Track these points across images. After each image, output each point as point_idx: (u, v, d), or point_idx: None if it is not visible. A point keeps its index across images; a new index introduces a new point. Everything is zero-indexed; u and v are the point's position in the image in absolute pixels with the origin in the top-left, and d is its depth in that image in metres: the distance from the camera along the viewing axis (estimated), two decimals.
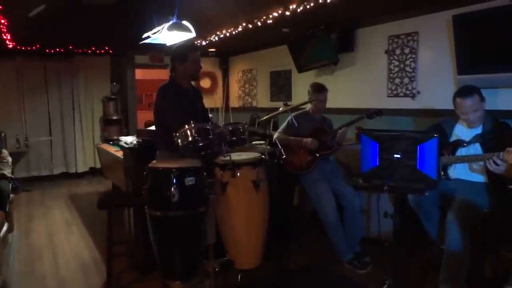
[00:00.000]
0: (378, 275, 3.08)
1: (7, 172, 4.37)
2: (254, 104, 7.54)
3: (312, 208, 3.67)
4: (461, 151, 2.90)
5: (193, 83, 3.41)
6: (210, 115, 3.48)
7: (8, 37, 5.64)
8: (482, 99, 2.83)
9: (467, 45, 3.67)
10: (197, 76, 3.24)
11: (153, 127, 4.50)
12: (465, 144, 2.88)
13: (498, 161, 2.51)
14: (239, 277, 3.00)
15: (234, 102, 8.24)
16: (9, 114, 6.96)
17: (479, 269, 2.77)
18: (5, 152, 4.55)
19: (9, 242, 4.11)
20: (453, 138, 3.00)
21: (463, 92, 2.85)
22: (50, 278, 3.33)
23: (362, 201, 3.66)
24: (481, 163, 2.81)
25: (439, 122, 3.21)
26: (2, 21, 4.79)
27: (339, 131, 3.55)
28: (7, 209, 4.12)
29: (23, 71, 7.05)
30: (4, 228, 3.88)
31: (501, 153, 2.45)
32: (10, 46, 6.17)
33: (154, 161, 2.71)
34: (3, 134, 5.47)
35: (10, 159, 4.59)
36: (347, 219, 3.45)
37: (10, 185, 4.34)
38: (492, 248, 2.79)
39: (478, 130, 2.89)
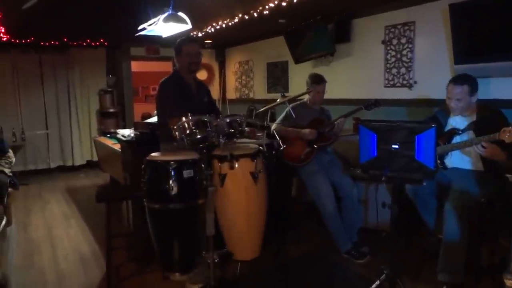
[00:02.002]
0: (376, 264, 3.11)
1: (7, 171, 4.41)
2: (251, 95, 7.52)
3: (310, 199, 3.68)
4: (456, 139, 2.92)
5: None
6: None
7: (2, 30, 5.60)
8: (473, 92, 2.83)
9: (464, 35, 3.66)
10: (194, 68, 3.24)
11: (150, 120, 4.50)
12: (460, 132, 2.90)
13: (484, 144, 2.55)
14: (238, 268, 3.02)
15: (231, 94, 8.22)
16: (5, 108, 6.92)
17: (476, 257, 2.80)
18: (10, 152, 4.59)
19: (8, 235, 4.12)
20: (448, 127, 3.02)
21: (456, 79, 2.91)
22: (50, 271, 3.34)
23: (360, 192, 3.68)
24: (479, 151, 2.83)
25: (434, 113, 3.22)
26: None
27: (337, 122, 3.55)
28: (5, 203, 4.11)
29: (18, 64, 7.00)
30: (3, 222, 3.88)
31: (497, 133, 2.48)
32: (4, 39, 6.12)
33: (152, 154, 2.71)
34: (3, 132, 5.39)
35: (14, 159, 4.63)
36: (345, 210, 3.47)
37: (8, 180, 4.35)
38: (489, 236, 2.82)
39: (473, 118, 2.91)
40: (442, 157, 3.03)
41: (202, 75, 8.15)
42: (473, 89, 2.84)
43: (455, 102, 2.86)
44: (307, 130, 3.54)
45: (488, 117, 2.85)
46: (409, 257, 3.24)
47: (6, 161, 4.47)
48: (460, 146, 2.83)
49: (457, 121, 2.97)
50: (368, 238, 3.61)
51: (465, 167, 2.94)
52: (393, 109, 4.56)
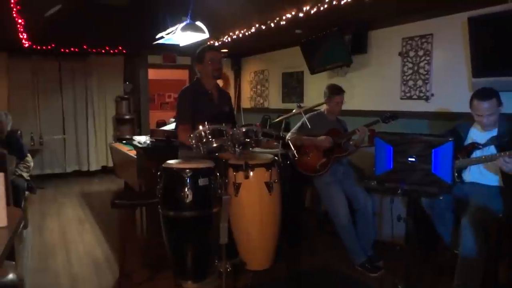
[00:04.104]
0: (390, 279, 3.06)
1: (25, 175, 4.50)
2: (266, 105, 7.54)
3: (324, 210, 3.66)
4: (476, 154, 2.88)
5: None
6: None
7: (25, 37, 5.73)
8: (500, 103, 2.81)
9: (483, 48, 3.62)
10: (217, 75, 3.26)
11: (166, 127, 4.55)
12: (480, 146, 2.86)
13: (507, 159, 2.50)
14: (250, 278, 3.01)
15: (245, 103, 8.24)
16: (25, 112, 7.07)
17: (494, 274, 2.74)
18: (29, 156, 4.69)
19: (24, 238, 4.18)
20: (468, 141, 2.99)
21: (481, 94, 2.83)
22: (63, 275, 3.37)
23: (375, 204, 3.64)
24: (502, 166, 2.78)
25: (454, 126, 3.19)
26: (19, 20, 4.87)
27: (357, 132, 3.51)
28: (22, 206, 4.18)
29: (38, 70, 7.16)
30: (21, 225, 3.93)
31: None
32: (26, 45, 6.26)
33: (168, 161, 2.73)
34: (22, 137, 5.48)
35: (32, 164, 4.72)
36: (359, 222, 3.44)
37: (26, 184, 4.42)
38: (507, 253, 2.76)
39: (494, 132, 2.87)
40: (460, 171, 2.99)
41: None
42: (500, 101, 2.80)
43: (488, 117, 2.80)
44: (322, 137, 3.52)
45: (510, 132, 2.80)
46: (424, 272, 3.18)
47: (25, 165, 4.55)
48: (481, 161, 2.79)
49: (477, 135, 2.93)
50: (383, 251, 3.56)
51: (483, 182, 2.90)
52: (410, 121, 4.51)
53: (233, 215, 2.80)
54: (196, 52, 3.25)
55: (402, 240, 3.26)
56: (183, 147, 3.13)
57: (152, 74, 8.35)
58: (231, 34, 5.78)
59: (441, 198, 2.44)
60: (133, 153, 4.79)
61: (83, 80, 7.53)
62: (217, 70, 3.23)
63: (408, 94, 4.67)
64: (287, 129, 4.41)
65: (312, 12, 4.25)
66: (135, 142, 4.58)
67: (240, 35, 5.64)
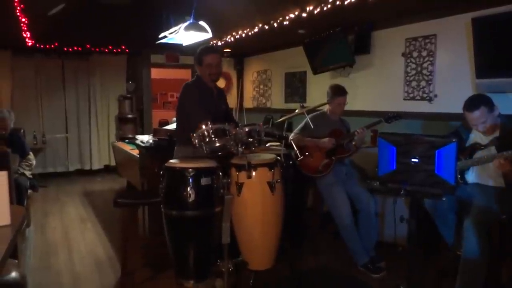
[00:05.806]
0: (392, 280, 3.06)
1: (28, 173, 4.51)
2: (268, 105, 7.54)
3: (326, 210, 3.65)
4: (478, 155, 2.87)
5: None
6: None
7: (28, 35, 5.75)
8: (491, 109, 2.77)
9: (487, 49, 3.62)
10: (215, 77, 3.22)
11: (169, 126, 4.55)
12: (482, 147, 2.86)
13: (502, 161, 2.50)
14: (252, 278, 3.00)
15: (248, 103, 8.25)
16: (27, 111, 7.09)
17: (496, 276, 2.73)
18: (31, 155, 4.70)
19: (26, 237, 4.19)
20: (470, 142, 2.98)
21: (469, 105, 2.81)
22: (65, 273, 3.37)
23: (377, 205, 3.63)
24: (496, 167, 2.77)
25: (457, 127, 3.18)
26: (23, 19, 4.89)
27: (357, 132, 3.51)
28: (24, 205, 4.19)
29: (41, 68, 7.18)
30: (24, 223, 3.94)
31: None
32: (30, 44, 6.28)
33: (170, 161, 2.73)
34: (25, 135, 5.49)
35: (34, 162, 4.73)
36: (362, 223, 3.43)
37: (29, 182, 4.43)
38: (510, 254, 2.75)
39: (495, 134, 2.86)
40: (463, 172, 2.98)
41: (220, 83, 8.18)
42: (491, 105, 2.78)
43: (482, 125, 2.80)
44: (326, 139, 3.51)
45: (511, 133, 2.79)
46: (426, 273, 3.18)
47: (27, 163, 4.56)
48: (481, 161, 2.79)
49: (480, 136, 2.93)
50: (385, 252, 3.55)
51: (486, 183, 2.89)
52: (412, 122, 4.51)
53: (235, 215, 2.79)
54: (196, 52, 3.23)
55: (404, 241, 3.27)
56: (182, 143, 3.12)
57: (155, 73, 8.36)
58: (234, 34, 5.78)
59: (444, 199, 2.43)
60: (135, 152, 4.79)
61: (86, 79, 7.54)
62: (215, 74, 3.18)
63: (411, 95, 4.67)
64: (290, 129, 4.41)
65: (315, 12, 4.25)
66: (137, 141, 4.58)
67: (243, 35, 5.64)
